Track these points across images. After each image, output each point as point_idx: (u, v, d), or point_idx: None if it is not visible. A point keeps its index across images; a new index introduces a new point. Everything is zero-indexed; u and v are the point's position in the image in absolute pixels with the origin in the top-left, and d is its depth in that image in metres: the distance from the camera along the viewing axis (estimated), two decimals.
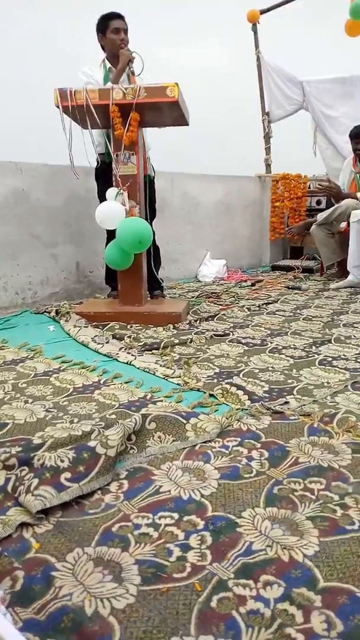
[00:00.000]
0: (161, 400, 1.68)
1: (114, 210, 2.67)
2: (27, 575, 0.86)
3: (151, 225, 2.97)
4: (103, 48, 3.02)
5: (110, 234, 2.98)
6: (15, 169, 3.19)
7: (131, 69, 2.84)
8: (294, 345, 2.35)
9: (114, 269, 2.88)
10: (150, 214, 3.06)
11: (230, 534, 0.99)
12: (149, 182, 3.10)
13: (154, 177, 3.19)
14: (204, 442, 1.36)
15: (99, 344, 2.39)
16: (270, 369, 2.01)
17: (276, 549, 0.93)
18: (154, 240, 2.96)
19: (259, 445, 1.34)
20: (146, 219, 2.83)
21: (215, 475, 1.20)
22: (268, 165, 5.45)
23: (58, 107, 2.59)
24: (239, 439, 1.38)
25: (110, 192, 2.73)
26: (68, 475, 1.12)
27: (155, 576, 0.87)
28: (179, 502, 1.09)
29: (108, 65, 3.00)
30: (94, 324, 2.72)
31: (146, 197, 2.97)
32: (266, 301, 3.41)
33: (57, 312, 2.94)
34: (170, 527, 1.01)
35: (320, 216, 4.27)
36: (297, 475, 1.20)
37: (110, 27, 2.91)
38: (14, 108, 5.54)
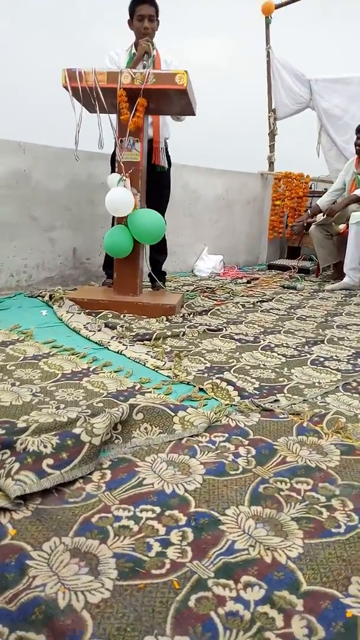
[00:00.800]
0: (150, 392, 1.65)
1: (126, 198, 2.62)
2: (0, 563, 0.83)
3: (163, 215, 3.02)
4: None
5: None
6: (19, 148, 3.13)
7: (144, 61, 2.78)
8: (286, 343, 2.33)
9: (113, 256, 2.84)
10: (163, 204, 3.09)
11: (213, 531, 0.96)
12: (163, 173, 3.06)
13: (168, 169, 3.14)
14: (191, 436, 1.33)
15: (90, 331, 2.36)
16: (261, 366, 1.99)
17: (259, 549, 0.91)
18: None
19: (246, 442, 1.32)
20: (150, 207, 2.81)
21: (200, 470, 1.17)
22: (271, 163, 5.41)
23: (66, 88, 2.54)
24: (226, 435, 1.35)
25: (112, 178, 2.68)
26: (50, 461, 1.09)
27: (132, 571, 0.84)
28: (162, 495, 1.07)
29: (133, 51, 2.93)
30: (87, 311, 2.69)
31: (159, 187, 2.94)
32: (261, 299, 3.39)
33: (50, 297, 2.89)
34: (151, 520, 0.98)
35: (320, 217, 4.25)
36: (283, 474, 1.17)
37: (136, 13, 2.83)
38: (23, 89, 5.47)
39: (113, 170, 3.01)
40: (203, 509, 1.03)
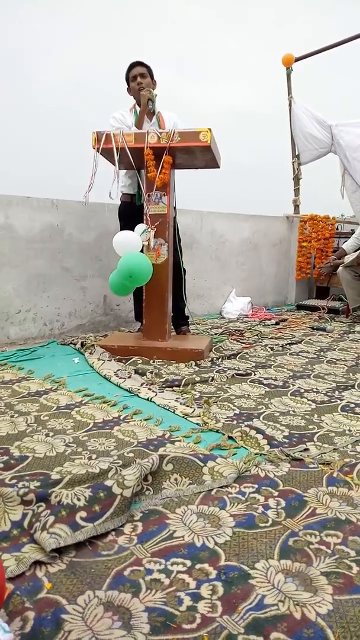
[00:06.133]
0: (179, 440, 1.68)
1: (131, 239, 2.69)
2: (37, 617, 0.87)
3: (181, 262, 3.10)
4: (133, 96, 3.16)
5: None
6: (52, 205, 3.32)
7: (149, 107, 2.96)
8: (316, 389, 2.33)
9: (115, 294, 2.90)
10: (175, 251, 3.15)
11: (243, 585, 0.97)
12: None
13: (174, 216, 3.26)
14: (221, 487, 1.35)
15: (120, 378, 2.42)
16: (291, 412, 2.00)
17: (288, 605, 0.92)
18: (182, 276, 3.09)
19: (276, 494, 1.33)
20: (175, 257, 2.90)
21: (230, 522, 1.19)
22: (297, 206, 5.51)
23: (97, 150, 2.71)
24: (256, 486, 1.36)
25: (139, 228, 2.79)
26: (84, 514, 1.13)
27: (164, 625, 0.86)
28: (192, 548, 1.09)
29: (138, 110, 3.12)
30: (117, 357, 2.76)
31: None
32: (290, 341, 3.39)
33: (82, 344, 2.99)
34: (182, 574, 1.00)
35: (348, 258, 4.28)
36: (313, 527, 1.18)
37: (130, 76, 3.06)
38: (54, 147, 5.82)
39: (123, 224, 3.14)
40: (233, 563, 1.04)
